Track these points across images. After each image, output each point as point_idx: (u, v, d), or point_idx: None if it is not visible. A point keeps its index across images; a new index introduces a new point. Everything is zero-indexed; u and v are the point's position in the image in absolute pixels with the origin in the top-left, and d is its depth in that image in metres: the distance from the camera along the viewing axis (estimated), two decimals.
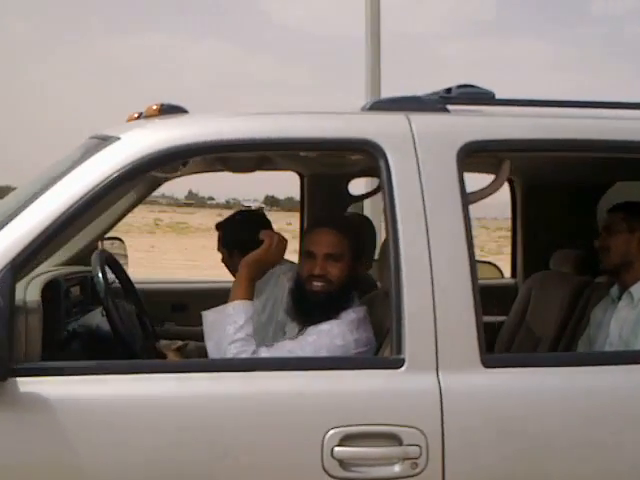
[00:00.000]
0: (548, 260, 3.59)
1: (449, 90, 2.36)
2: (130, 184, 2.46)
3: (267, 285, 3.21)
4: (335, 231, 2.52)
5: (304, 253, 2.56)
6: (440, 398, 1.99)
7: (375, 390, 2.02)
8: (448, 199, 2.11)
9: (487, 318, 3.73)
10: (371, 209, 6.39)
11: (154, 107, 2.29)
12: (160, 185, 3.56)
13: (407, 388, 2.01)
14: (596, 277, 3.27)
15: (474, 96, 2.34)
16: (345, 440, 1.94)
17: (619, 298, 2.88)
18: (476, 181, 2.35)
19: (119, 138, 2.13)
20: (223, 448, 1.95)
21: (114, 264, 2.93)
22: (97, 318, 2.71)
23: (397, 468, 1.96)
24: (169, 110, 2.29)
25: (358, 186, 4.26)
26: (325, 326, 2.43)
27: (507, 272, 4.55)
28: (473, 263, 2.09)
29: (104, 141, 2.17)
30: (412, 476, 1.96)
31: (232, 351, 2.38)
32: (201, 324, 2.57)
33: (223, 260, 3.39)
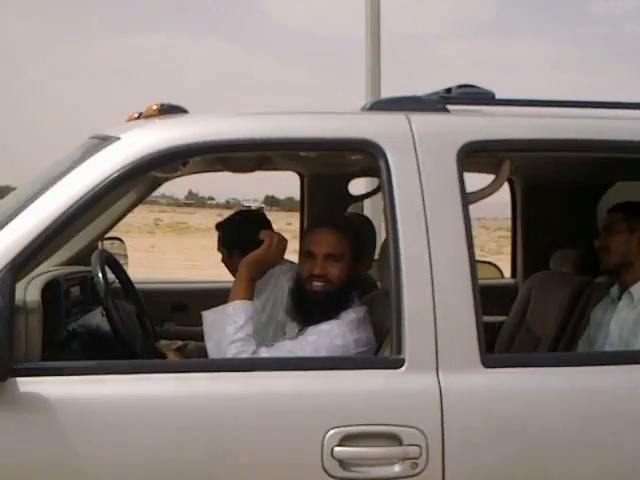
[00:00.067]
0: (548, 260, 3.59)
1: (449, 90, 2.35)
2: (130, 184, 2.46)
3: (267, 285, 3.21)
4: (335, 231, 2.51)
5: (304, 253, 2.55)
6: (440, 398, 1.99)
7: (375, 390, 2.02)
8: (448, 199, 2.10)
9: (487, 318, 3.73)
10: (371, 209, 6.39)
11: (154, 107, 2.29)
12: (160, 185, 3.56)
13: (407, 388, 2.01)
14: (596, 277, 3.27)
15: (474, 96, 2.34)
16: (345, 440, 1.94)
17: (619, 298, 2.87)
18: (476, 181, 2.35)
19: (119, 138, 2.13)
20: (223, 448, 1.95)
21: (114, 264, 2.93)
22: (97, 318, 2.71)
23: (397, 468, 1.96)
24: (169, 110, 2.29)
25: (358, 186, 4.26)
26: (325, 326, 2.43)
27: (507, 272, 4.55)
28: (473, 263, 2.08)
29: (104, 141, 2.17)
30: (412, 476, 1.96)
31: (232, 351, 2.38)
32: (201, 324, 2.57)
33: (223, 260, 3.39)
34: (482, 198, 2.27)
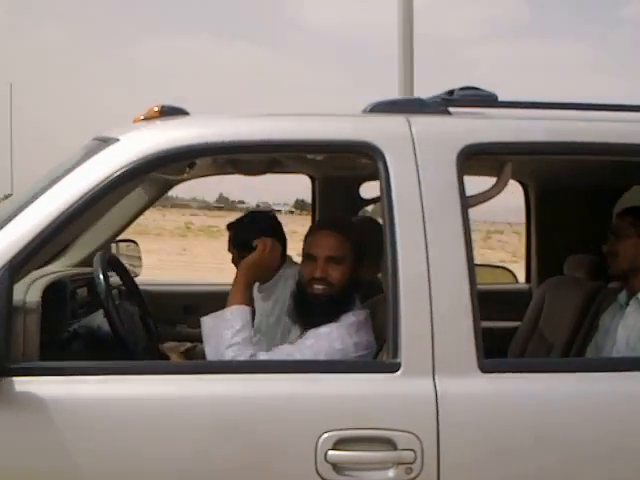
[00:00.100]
0: (562, 265, 3.55)
1: (451, 92, 2.33)
2: (130, 185, 2.47)
3: (276, 287, 3.22)
4: (336, 233, 2.50)
5: (305, 256, 2.54)
6: (436, 402, 1.97)
7: (370, 394, 2.00)
8: (447, 202, 2.08)
9: (501, 324, 3.68)
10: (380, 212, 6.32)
11: (155, 109, 2.30)
12: (171, 188, 3.58)
13: (402, 392, 1.99)
14: (609, 282, 3.22)
15: (476, 98, 2.32)
16: (339, 444, 1.93)
17: (627, 304, 2.83)
18: (476, 184, 2.33)
19: (118, 139, 2.14)
20: (219, 450, 1.94)
21: (117, 265, 2.94)
22: (99, 319, 2.72)
23: (391, 473, 1.94)
24: (170, 112, 2.30)
25: (373, 189, 4.22)
26: (324, 329, 2.42)
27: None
28: (471, 267, 2.06)
29: (104, 142, 2.18)
30: None
31: (229, 354, 2.38)
32: None
33: (233, 261, 3.39)
34: (483, 201, 2.24)
